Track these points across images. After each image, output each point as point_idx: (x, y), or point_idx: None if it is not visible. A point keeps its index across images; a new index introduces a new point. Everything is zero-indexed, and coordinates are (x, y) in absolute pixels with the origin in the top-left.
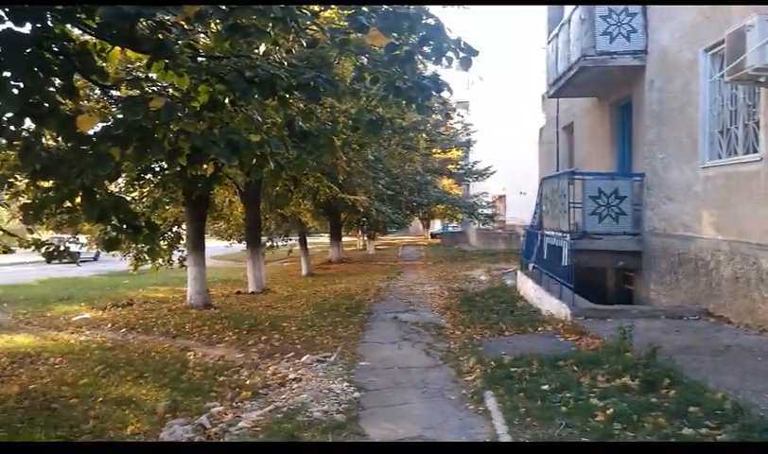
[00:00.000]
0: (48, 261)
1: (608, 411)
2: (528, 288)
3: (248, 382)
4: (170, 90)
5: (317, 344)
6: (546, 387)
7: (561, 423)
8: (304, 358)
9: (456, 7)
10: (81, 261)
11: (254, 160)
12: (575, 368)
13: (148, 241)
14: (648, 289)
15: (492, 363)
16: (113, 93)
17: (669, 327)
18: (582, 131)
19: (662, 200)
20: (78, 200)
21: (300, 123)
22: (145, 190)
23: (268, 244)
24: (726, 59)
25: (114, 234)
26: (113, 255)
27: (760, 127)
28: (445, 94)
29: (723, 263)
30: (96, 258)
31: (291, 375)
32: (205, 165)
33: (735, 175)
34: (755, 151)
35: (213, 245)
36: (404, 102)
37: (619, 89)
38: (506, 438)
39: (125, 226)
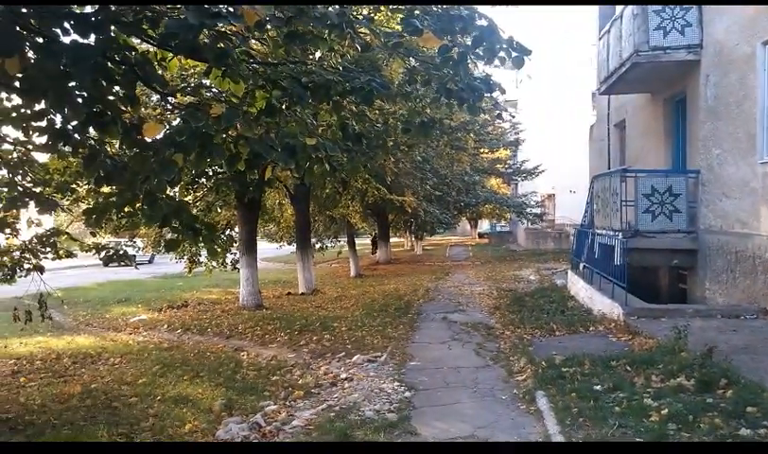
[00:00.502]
0: (105, 264)
1: (663, 412)
2: (579, 287)
3: (300, 381)
4: (227, 96)
5: (367, 344)
6: (598, 387)
7: (614, 423)
8: (354, 358)
9: (506, 6)
10: (137, 264)
11: (309, 163)
12: (628, 368)
13: (207, 242)
14: (703, 288)
15: (543, 363)
16: (171, 100)
17: (725, 327)
18: (634, 128)
19: (718, 196)
20: (139, 204)
21: (353, 126)
22: (199, 194)
23: (317, 246)
24: None
25: (175, 236)
26: (170, 259)
27: None
28: (495, 94)
29: None
30: (151, 261)
31: (343, 375)
32: (263, 170)
33: None
34: None
35: (263, 247)
36: (455, 103)
37: (672, 84)
38: (558, 438)
39: (185, 229)
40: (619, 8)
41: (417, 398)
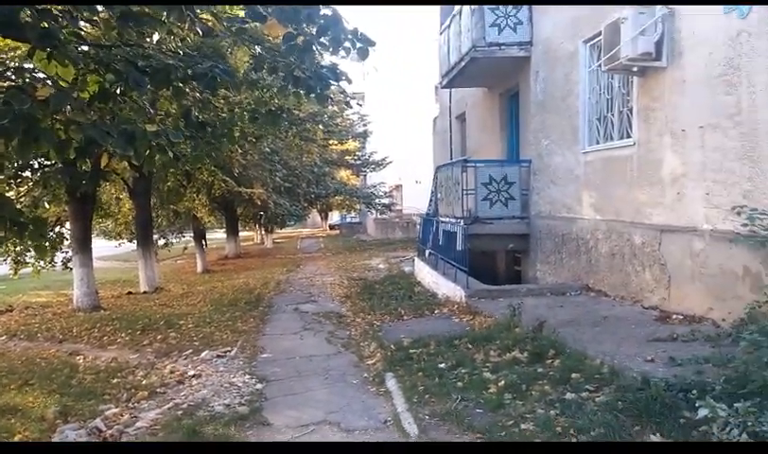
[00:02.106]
0: None
1: (500, 383)
2: (425, 273)
3: (144, 382)
4: (56, 80)
5: (216, 340)
6: (443, 365)
7: (457, 397)
8: (203, 355)
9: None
10: None
11: (149, 151)
12: (469, 346)
13: (34, 238)
14: (535, 269)
15: (392, 347)
16: None
17: (554, 303)
18: (473, 121)
19: (547, 184)
20: None
21: (196, 114)
22: (22, 189)
23: (161, 242)
24: (603, 49)
25: None
26: None
27: (633, 113)
28: (342, 84)
29: (601, 241)
30: None
31: (190, 372)
32: (97, 159)
33: (611, 159)
34: (628, 137)
35: (100, 245)
36: (302, 92)
37: (507, 79)
38: (406, 416)
39: (8, 224)
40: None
41: (269, 389)
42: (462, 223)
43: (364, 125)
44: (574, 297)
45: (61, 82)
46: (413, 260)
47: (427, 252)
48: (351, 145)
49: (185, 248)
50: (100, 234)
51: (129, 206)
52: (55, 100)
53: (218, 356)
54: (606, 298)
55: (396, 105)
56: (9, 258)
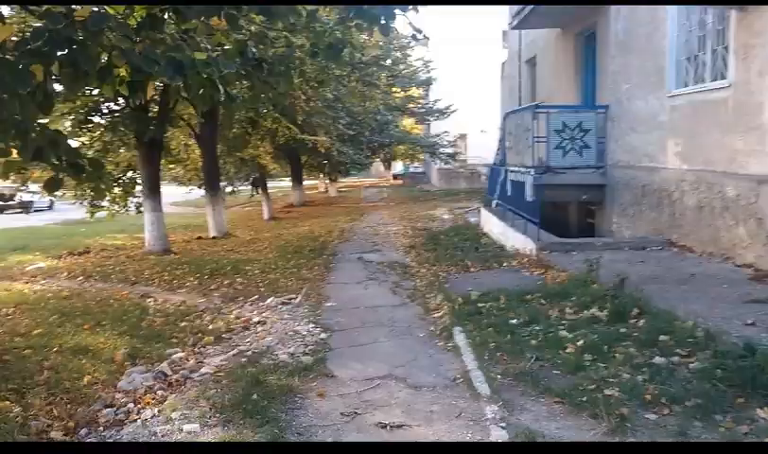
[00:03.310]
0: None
1: (578, 343)
2: (492, 224)
3: (210, 327)
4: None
5: (281, 287)
6: (514, 321)
7: (531, 356)
8: (268, 301)
9: None
10: (35, 210)
11: (202, 87)
12: (542, 301)
13: (92, 179)
14: (611, 222)
15: (459, 300)
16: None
17: (633, 258)
18: (545, 64)
19: (626, 131)
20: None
21: (252, 49)
22: (95, 134)
23: (228, 189)
24: None
25: (55, 174)
26: (72, 204)
27: (729, 52)
28: (409, 16)
29: (687, 193)
30: (50, 207)
31: (255, 319)
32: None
33: (702, 103)
34: (723, 78)
35: (172, 191)
36: (365, 24)
37: (584, 18)
38: (477, 374)
39: (65, 165)
40: None
41: (333, 339)
42: (532, 173)
43: (428, 71)
44: (656, 252)
45: (109, 10)
46: (479, 211)
47: (494, 202)
48: (414, 92)
49: (252, 195)
50: (172, 180)
51: (198, 153)
52: (93, 19)
53: (283, 303)
54: (692, 254)
55: (461, 52)
56: (86, 201)
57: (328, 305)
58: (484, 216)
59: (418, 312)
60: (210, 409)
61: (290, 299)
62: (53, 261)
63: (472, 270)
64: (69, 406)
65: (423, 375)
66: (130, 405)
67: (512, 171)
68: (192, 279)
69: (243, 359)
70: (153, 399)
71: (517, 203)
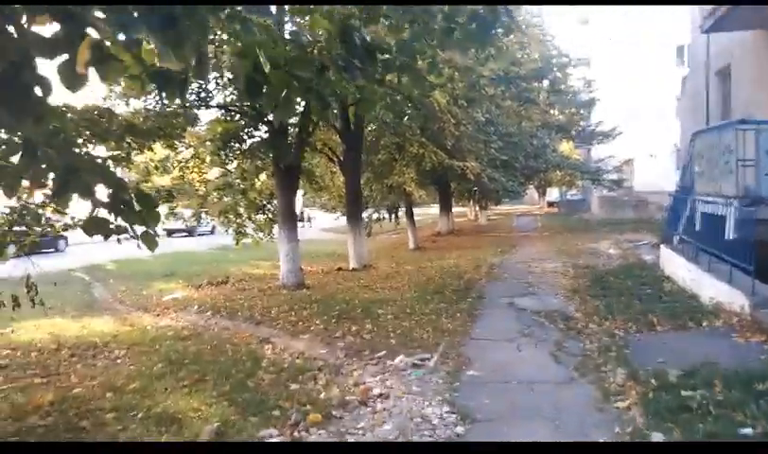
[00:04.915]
0: (169, 235)
1: None
2: (676, 266)
3: (322, 396)
4: None
5: (415, 339)
6: (748, 431)
7: None
8: (396, 361)
9: None
10: (199, 234)
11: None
12: None
13: (135, 220)
14: None
15: (651, 381)
16: None
17: None
18: (743, 74)
19: None
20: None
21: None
22: (235, 162)
23: (374, 216)
24: None
25: (92, 212)
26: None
27: None
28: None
29: None
30: (212, 232)
31: (377, 390)
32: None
33: None
34: None
35: (322, 217)
36: None
37: None
38: None
39: (115, 202)
40: None
41: (473, 435)
42: (735, 204)
43: (590, 92)
44: None
45: None
46: (657, 247)
47: (676, 237)
48: (575, 114)
49: (398, 223)
50: (320, 207)
51: (342, 180)
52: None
53: (415, 365)
54: None
55: (627, 72)
56: (232, 229)
57: (470, 373)
58: (665, 254)
59: (593, 396)
60: None
61: (424, 360)
62: (191, 291)
63: (659, 328)
64: None
65: None
66: None
67: (703, 202)
68: (318, 322)
69: None
70: None
71: (713, 242)
